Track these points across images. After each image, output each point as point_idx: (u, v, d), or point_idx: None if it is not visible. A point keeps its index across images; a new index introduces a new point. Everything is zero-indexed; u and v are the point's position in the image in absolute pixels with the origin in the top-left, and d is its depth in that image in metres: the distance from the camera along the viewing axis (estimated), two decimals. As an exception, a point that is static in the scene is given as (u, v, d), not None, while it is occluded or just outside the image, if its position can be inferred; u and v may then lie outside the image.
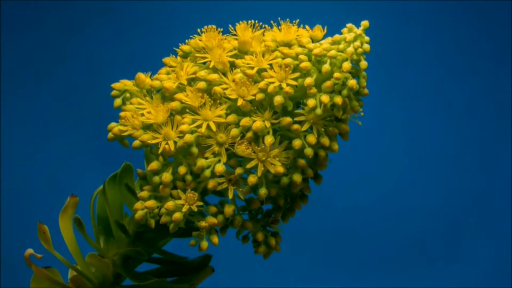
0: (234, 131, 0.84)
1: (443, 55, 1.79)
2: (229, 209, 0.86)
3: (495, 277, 1.70)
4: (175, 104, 0.86)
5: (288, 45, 0.88)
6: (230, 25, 0.91)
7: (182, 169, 0.85)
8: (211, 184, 0.84)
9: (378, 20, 1.75)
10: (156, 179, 0.86)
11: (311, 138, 0.85)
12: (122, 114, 0.88)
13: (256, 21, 0.91)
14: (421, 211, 1.75)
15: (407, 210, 1.75)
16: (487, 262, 1.71)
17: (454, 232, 1.74)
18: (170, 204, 0.85)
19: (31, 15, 1.74)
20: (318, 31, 0.89)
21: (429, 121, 1.78)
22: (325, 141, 0.85)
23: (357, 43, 0.85)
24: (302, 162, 0.86)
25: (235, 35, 0.90)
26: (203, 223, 0.86)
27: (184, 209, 0.85)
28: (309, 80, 0.84)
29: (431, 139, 1.78)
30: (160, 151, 0.85)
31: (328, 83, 0.84)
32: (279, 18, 0.89)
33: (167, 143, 0.85)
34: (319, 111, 0.84)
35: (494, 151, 1.77)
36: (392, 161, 1.76)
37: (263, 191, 0.85)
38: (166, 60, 0.91)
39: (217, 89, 0.85)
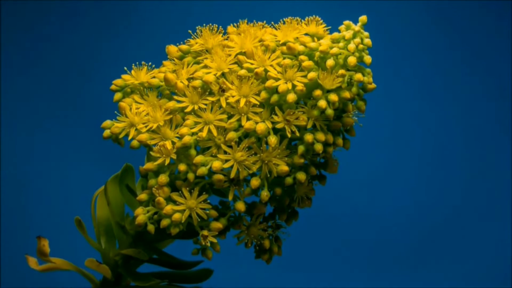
0: (232, 134, 0.83)
1: (442, 55, 1.79)
2: (240, 205, 0.85)
3: (495, 277, 1.70)
4: (171, 104, 0.85)
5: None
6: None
7: (182, 166, 0.84)
8: (216, 177, 0.83)
9: (374, 19, 1.74)
10: (152, 182, 0.85)
11: (320, 135, 0.84)
12: (122, 104, 0.87)
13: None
14: (420, 212, 1.75)
15: (407, 211, 1.75)
16: (487, 262, 1.71)
17: (454, 232, 1.74)
18: (168, 208, 0.84)
19: (31, 13, 1.74)
20: (320, 28, 0.87)
21: (430, 121, 1.78)
22: (329, 137, 0.84)
23: (357, 39, 0.84)
24: (302, 161, 0.85)
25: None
26: (205, 233, 0.85)
27: (184, 217, 0.84)
28: (312, 74, 0.83)
29: (431, 139, 1.77)
30: (156, 151, 0.84)
31: (330, 78, 0.82)
32: (281, 20, 0.89)
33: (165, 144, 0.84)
34: (329, 111, 0.83)
35: (495, 151, 1.76)
36: (394, 163, 1.76)
37: (264, 193, 0.84)
38: (170, 47, 0.91)
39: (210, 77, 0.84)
